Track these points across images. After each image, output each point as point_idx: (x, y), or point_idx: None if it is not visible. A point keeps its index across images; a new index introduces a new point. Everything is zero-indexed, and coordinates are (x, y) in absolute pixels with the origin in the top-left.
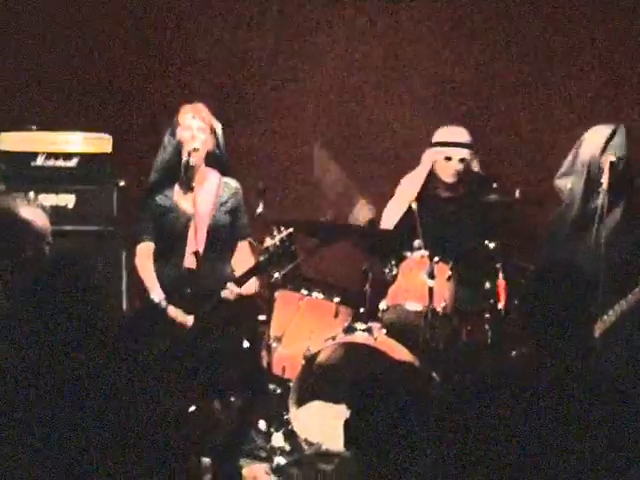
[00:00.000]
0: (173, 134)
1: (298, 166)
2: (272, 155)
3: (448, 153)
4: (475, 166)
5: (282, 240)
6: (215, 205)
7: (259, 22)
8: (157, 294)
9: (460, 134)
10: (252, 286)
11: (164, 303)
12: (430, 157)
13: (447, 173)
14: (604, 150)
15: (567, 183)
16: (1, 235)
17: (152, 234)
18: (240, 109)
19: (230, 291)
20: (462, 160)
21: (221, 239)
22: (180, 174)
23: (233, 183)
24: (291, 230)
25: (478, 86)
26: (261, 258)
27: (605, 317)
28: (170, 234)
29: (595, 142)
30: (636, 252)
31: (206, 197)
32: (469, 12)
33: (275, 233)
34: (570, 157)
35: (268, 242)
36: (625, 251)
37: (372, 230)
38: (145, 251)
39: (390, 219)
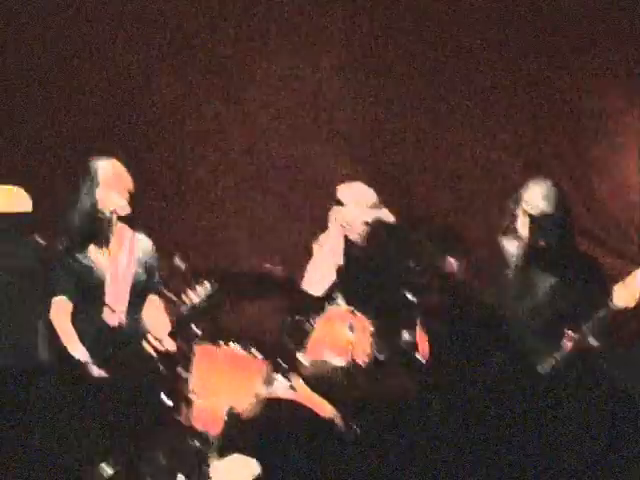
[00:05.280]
0: (91, 192)
1: (213, 212)
2: (188, 202)
3: (350, 216)
4: (386, 217)
5: (207, 294)
6: (132, 261)
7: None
8: (80, 352)
9: (361, 193)
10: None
11: (90, 361)
12: (336, 217)
13: (353, 234)
14: (519, 201)
15: (506, 242)
16: None
17: (69, 291)
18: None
19: (152, 345)
20: (366, 222)
21: (139, 294)
22: (99, 231)
23: (145, 238)
24: (215, 284)
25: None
26: (183, 309)
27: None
28: (89, 291)
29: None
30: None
31: (123, 253)
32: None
33: (198, 287)
34: (508, 215)
35: (191, 295)
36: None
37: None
38: (61, 306)
39: (316, 284)
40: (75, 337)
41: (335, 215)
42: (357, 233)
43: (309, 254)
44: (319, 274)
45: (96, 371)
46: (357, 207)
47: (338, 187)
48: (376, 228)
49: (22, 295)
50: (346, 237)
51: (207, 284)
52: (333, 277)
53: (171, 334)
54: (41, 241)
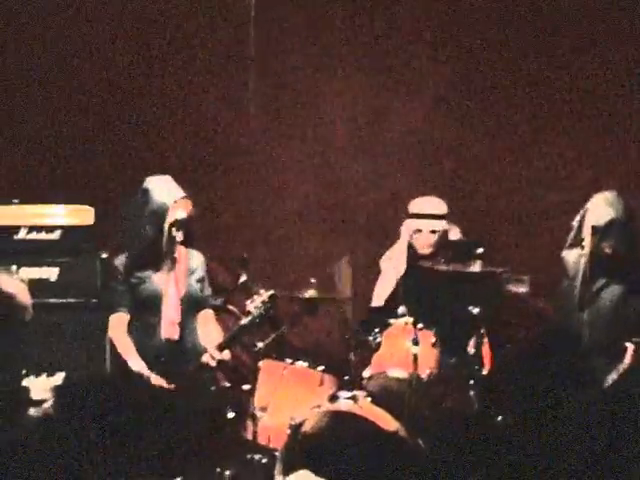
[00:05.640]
0: (151, 210)
1: (281, 233)
2: (253, 223)
3: (419, 225)
4: (454, 234)
5: (264, 302)
6: (186, 275)
7: (240, 96)
8: (137, 364)
9: (432, 205)
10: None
11: (147, 372)
12: (406, 229)
13: (420, 245)
14: (585, 214)
15: (570, 254)
16: None
17: (127, 305)
18: (219, 177)
19: (211, 356)
20: (433, 232)
21: (193, 308)
22: (159, 247)
23: (196, 253)
24: (272, 292)
25: (467, 147)
26: (243, 322)
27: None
28: (146, 305)
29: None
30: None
31: (177, 268)
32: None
33: (255, 297)
34: (574, 228)
35: (249, 306)
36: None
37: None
38: (119, 322)
39: (381, 297)
40: (133, 350)
41: (406, 227)
42: (426, 245)
43: (377, 271)
44: (382, 284)
45: (154, 379)
46: (428, 219)
47: (412, 201)
48: (444, 240)
49: (88, 311)
50: (413, 250)
51: (264, 293)
52: (393, 286)
53: (229, 347)
54: (104, 256)
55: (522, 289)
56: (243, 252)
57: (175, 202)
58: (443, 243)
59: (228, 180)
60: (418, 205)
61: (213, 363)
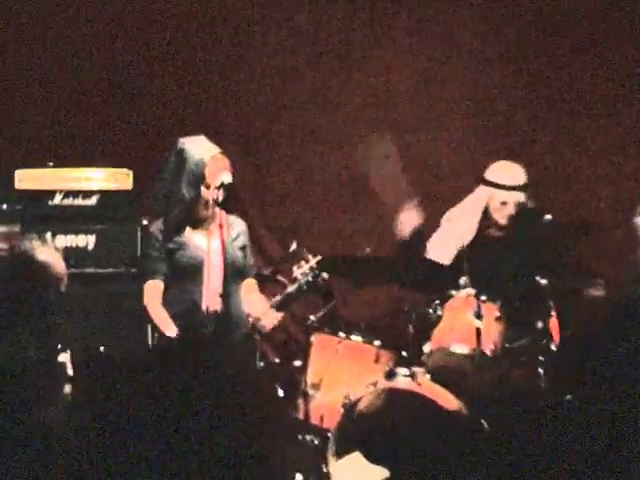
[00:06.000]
0: (188, 169)
1: (332, 200)
2: (304, 190)
3: (504, 197)
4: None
5: (312, 268)
6: (226, 242)
7: (294, 69)
8: (170, 329)
9: (517, 175)
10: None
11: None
12: (484, 196)
13: (501, 215)
14: None
15: None
16: (17, 279)
17: (162, 272)
18: (270, 144)
19: (270, 319)
20: (519, 204)
21: (236, 276)
22: (197, 213)
23: (238, 220)
24: (320, 257)
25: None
26: (289, 289)
27: None
28: (183, 271)
29: None
30: None
31: (218, 236)
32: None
33: (303, 263)
34: None
35: (296, 272)
36: None
37: (416, 264)
38: (154, 290)
39: (440, 253)
40: (168, 318)
41: (484, 195)
42: (505, 216)
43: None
44: (446, 242)
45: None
46: (511, 190)
47: (490, 167)
48: (521, 209)
49: (128, 281)
50: (488, 219)
51: (311, 258)
52: (456, 247)
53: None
54: (145, 222)
55: (598, 292)
56: (293, 220)
57: (212, 157)
58: (520, 213)
59: (275, 148)
60: (501, 173)
61: (272, 325)
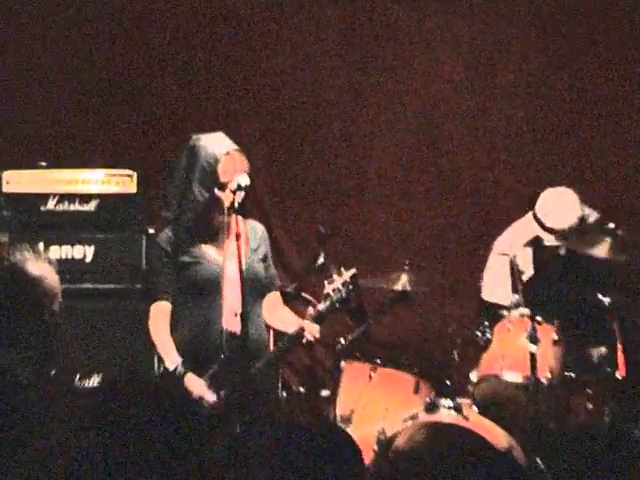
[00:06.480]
0: (200, 167)
1: (366, 206)
2: (337, 191)
3: (553, 241)
4: (590, 217)
5: (344, 283)
6: (245, 254)
7: (334, 62)
8: (172, 360)
9: (567, 216)
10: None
11: (181, 370)
12: (534, 228)
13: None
14: None
15: None
16: (5, 296)
17: (170, 293)
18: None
19: (311, 332)
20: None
21: (256, 293)
22: (211, 214)
23: (258, 226)
24: (354, 271)
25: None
26: (319, 307)
27: None
28: (196, 289)
29: None
30: None
31: (236, 245)
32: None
33: (335, 277)
34: None
35: (327, 288)
36: None
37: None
38: (159, 314)
39: (498, 295)
40: (172, 348)
41: (530, 226)
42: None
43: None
44: (502, 281)
45: (210, 396)
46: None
47: (542, 194)
48: (581, 227)
49: (131, 299)
50: (537, 241)
51: (345, 273)
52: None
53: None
54: (151, 231)
55: None
56: (320, 226)
57: (227, 154)
58: (581, 229)
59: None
60: (548, 212)
61: (314, 337)
